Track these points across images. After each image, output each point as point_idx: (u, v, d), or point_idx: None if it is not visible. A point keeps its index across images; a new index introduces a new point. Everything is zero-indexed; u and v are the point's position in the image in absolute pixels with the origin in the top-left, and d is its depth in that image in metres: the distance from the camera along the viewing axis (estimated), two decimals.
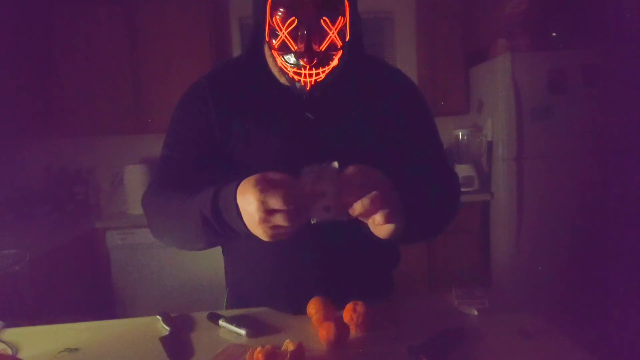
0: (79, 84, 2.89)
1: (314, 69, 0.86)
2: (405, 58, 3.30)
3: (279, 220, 0.71)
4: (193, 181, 0.94)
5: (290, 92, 0.94)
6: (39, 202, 3.02)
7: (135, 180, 2.95)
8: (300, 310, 0.96)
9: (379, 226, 0.79)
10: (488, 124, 2.95)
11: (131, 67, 2.93)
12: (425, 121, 1.07)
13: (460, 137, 3.19)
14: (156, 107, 2.91)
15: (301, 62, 0.85)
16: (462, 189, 2.97)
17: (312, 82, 0.87)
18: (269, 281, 1.05)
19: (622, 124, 2.66)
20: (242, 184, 0.76)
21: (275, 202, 0.70)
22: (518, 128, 2.70)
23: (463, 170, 2.96)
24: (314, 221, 0.76)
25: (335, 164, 0.76)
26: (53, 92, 2.89)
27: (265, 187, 0.72)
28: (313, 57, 0.84)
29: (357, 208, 0.75)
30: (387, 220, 0.76)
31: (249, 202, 0.73)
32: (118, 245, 2.77)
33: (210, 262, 2.74)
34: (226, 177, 0.90)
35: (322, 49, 0.85)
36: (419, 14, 3.29)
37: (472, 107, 3.22)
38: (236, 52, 3.31)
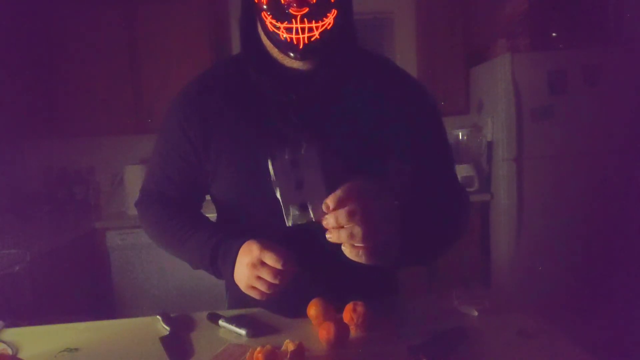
0: (79, 84, 2.89)
1: (306, 21, 0.81)
2: (405, 58, 3.29)
3: (265, 274, 0.81)
4: (181, 190, 1.03)
5: (280, 93, 0.91)
6: (39, 202, 3.02)
7: (135, 180, 2.95)
8: (301, 314, 0.94)
9: (349, 248, 0.71)
10: (488, 124, 2.95)
11: (131, 67, 2.93)
12: (436, 136, 1.00)
13: (460, 137, 3.19)
14: (156, 107, 2.90)
15: (292, 12, 0.81)
16: None
17: (306, 40, 0.82)
18: None
19: (623, 123, 2.66)
20: (247, 242, 0.86)
21: (270, 258, 0.80)
22: (518, 128, 2.70)
23: (463, 170, 2.95)
24: (290, 223, 0.66)
25: (314, 149, 0.64)
26: (53, 93, 2.89)
27: (266, 245, 0.82)
28: (304, 3, 0.80)
29: (330, 221, 0.67)
30: (358, 239, 0.68)
31: (250, 250, 0.83)
32: (118, 246, 2.77)
33: None
34: (214, 185, 0.98)
35: (314, 0, 0.81)
36: (419, 14, 3.29)
37: (472, 107, 3.22)
38: (236, 52, 3.30)
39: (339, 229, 0.68)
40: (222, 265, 0.90)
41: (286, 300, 0.97)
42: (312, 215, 0.64)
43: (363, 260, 0.70)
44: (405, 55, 3.33)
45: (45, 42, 2.85)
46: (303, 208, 0.64)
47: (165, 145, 1.02)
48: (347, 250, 0.71)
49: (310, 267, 0.96)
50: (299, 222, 0.65)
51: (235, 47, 3.29)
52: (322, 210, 0.65)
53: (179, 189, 1.03)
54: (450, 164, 1.04)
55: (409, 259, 0.82)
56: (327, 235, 0.69)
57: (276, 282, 0.81)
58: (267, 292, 0.83)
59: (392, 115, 0.95)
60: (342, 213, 0.66)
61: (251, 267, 0.82)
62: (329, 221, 0.67)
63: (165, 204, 1.04)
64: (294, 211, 0.64)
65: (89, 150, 3.22)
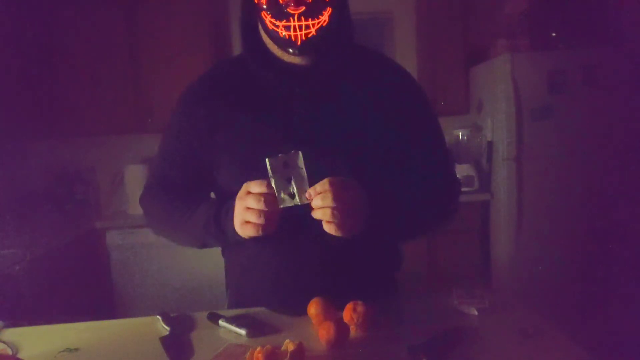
0: (79, 83, 2.89)
1: (302, 18, 0.87)
2: (405, 58, 3.29)
3: (252, 202, 0.85)
4: (187, 185, 1.05)
5: (281, 88, 0.96)
6: (39, 202, 3.02)
7: (135, 180, 2.95)
8: (301, 312, 0.95)
9: (327, 221, 0.84)
10: (488, 124, 2.95)
11: (131, 67, 2.93)
12: (427, 122, 1.06)
13: (460, 137, 3.19)
14: (156, 107, 2.91)
15: (289, 11, 0.86)
16: (462, 189, 2.97)
17: (303, 37, 0.88)
18: (269, 284, 1.04)
19: (622, 123, 2.66)
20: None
21: (255, 185, 0.85)
22: (518, 128, 2.70)
23: (463, 170, 2.96)
24: (281, 206, 0.85)
25: (300, 153, 0.84)
26: (53, 92, 2.89)
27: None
28: (300, 3, 0.86)
29: (313, 192, 0.83)
30: (331, 205, 0.82)
31: (240, 192, 0.88)
32: (118, 245, 2.77)
33: (210, 262, 2.74)
34: (219, 177, 1.01)
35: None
36: (419, 14, 3.29)
37: (472, 107, 3.22)
38: (236, 52, 3.31)
39: (323, 208, 0.83)
40: (226, 221, 0.92)
41: (287, 298, 1.00)
42: (298, 200, 0.84)
43: (336, 233, 0.85)
44: (405, 55, 3.33)
45: (46, 41, 2.85)
46: (291, 195, 0.84)
47: (173, 139, 1.06)
48: (325, 225, 0.85)
49: (313, 268, 0.98)
50: (288, 205, 0.84)
51: (236, 47, 3.30)
52: (305, 197, 0.84)
53: (184, 181, 1.05)
54: (441, 151, 1.08)
55: (376, 235, 0.94)
56: (313, 213, 0.85)
57: (263, 207, 0.84)
58: (259, 221, 0.85)
59: (384, 105, 1.00)
60: (327, 196, 0.82)
61: (239, 200, 0.88)
62: (316, 202, 0.83)
63: (169, 192, 1.06)
64: (284, 197, 0.84)
65: (89, 149, 3.22)
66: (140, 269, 2.78)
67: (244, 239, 0.90)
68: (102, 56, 2.90)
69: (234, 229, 0.90)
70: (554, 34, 2.83)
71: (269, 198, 0.84)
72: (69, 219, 2.92)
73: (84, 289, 2.63)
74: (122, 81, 2.93)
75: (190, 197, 1.03)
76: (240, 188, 0.90)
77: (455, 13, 3.11)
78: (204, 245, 1.03)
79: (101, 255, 2.78)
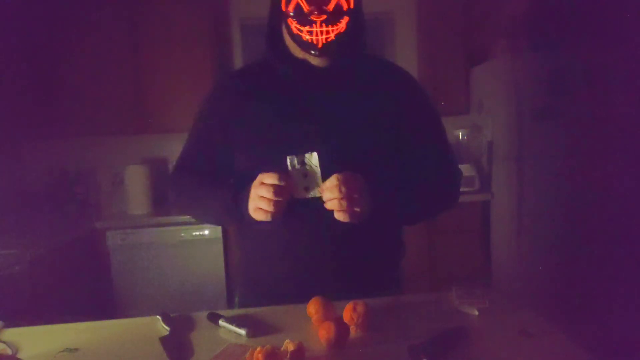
0: (79, 84, 2.89)
1: (324, 25, 1.01)
2: (405, 58, 3.29)
3: (264, 191, 0.96)
4: (209, 168, 1.16)
5: (300, 85, 1.09)
6: (40, 202, 3.02)
7: (135, 180, 2.95)
8: (307, 295, 0.99)
9: (337, 212, 0.97)
10: (488, 124, 2.95)
11: (132, 67, 2.93)
12: (429, 118, 1.18)
13: (460, 137, 3.19)
14: (157, 107, 2.91)
15: (312, 18, 1.00)
16: (463, 189, 2.97)
17: (324, 40, 1.02)
18: (281, 265, 1.11)
19: (623, 124, 2.66)
20: None
21: (268, 177, 0.97)
22: (518, 128, 2.70)
23: (463, 170, 2.94)
24: (297, 197, 0.98)
25: (315, 154, 0.97)
26: (54, 92, 2.89)
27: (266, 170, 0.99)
28: (322, 11, 1.01)
29: (324, 188, 0.97)
30: (341, 197, 0.95)
31: (255, 181, 1.00)
32: (118, 246, 2.77)
33: (210, 262, 2.74)
34: (238, 164, 1.13)
35: (331, 9, 1.01)
36: (419, 14, 3.29)
37: (472, 107, 3.22)
38: (237, 52, 3.31)
39: (332, 200, 0.96)
40: (242, 206, 1.03)
41: (296, 275, 1.09)
42: (311, 193, 0.98)
43: (346, 220, 0.97)
44: (405, 55, 3.33)
45: (46, 41, 2.85)
46: (306, 189, 0.98)
47: (200, 126, 1.18)
48: (336, 214, 0.98)
49: (323, 252, 1.07)
50: (302, 197, 0.97)
51: (237, 48, 3.30)
52: (318, 190, 0.98)
53: (207, 164, 1.16)
54: (443, 144, 1.20)
55: (381, 220, 1.05)
56: (325, 205, 0.97)
57: (274, 197, 0.95)
58: (269, 209, 0.96)
59: (391, 104, 1.12)
60: (335, 190, 0.95)
61: (254, 189, 0.99)
62: (327, 195, 0.97)
63: (194, 173, 1.17)
64: (300, 189, 0.97)
65: (89, 150, 3.22)
66: (140, 269, 2.77)
67: (256, 220, 1.01)
68: (102, 56, 2.89)
69: (248, 213, 1.01)
70: (554, 34, 2.82)
71: (279, 189, 0.95)
72: (69, 219, 2.92)
73: (84, 289, 2.63)
74: (123, 82, 2.92)
75: (212, 179, 1.14)
76: (255, 176, 0.99)
77: (455, 13, 3.11)
78: (221, 223, 1.31)
79: (101, 255, 2.78)
